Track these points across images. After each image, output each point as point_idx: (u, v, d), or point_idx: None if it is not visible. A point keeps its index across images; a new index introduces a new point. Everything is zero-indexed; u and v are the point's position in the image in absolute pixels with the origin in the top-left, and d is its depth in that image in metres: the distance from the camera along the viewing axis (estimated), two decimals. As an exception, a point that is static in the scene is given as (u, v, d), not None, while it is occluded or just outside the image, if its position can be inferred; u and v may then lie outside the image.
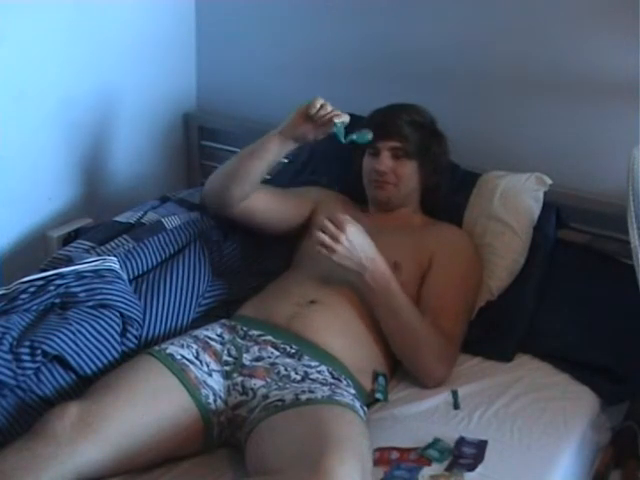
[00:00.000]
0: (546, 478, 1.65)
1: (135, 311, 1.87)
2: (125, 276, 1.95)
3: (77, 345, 1.74)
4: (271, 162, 2.03)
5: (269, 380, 1.72)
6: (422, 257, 2.00)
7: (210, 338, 1.81)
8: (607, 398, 1.92)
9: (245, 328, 1.84)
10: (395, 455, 1.64)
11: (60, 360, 1.73)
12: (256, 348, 1.79)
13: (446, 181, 2.19)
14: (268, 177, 2.55)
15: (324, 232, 1.81)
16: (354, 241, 1.82)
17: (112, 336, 1.81)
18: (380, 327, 1.89)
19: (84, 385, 1.72)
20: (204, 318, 1.99)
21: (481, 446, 1.68)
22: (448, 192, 2.20)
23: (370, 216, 2.14)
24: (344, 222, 1.82)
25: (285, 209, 2.14)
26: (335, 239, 1.80)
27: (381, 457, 1.63)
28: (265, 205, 2.09)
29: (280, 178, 2.47)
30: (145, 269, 2.02)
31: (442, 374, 1.88)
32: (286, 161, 2.57)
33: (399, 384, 1.91)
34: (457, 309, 1.96)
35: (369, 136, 1.97)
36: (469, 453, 1.66)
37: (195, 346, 1.76)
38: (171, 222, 2.17)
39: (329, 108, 1.91)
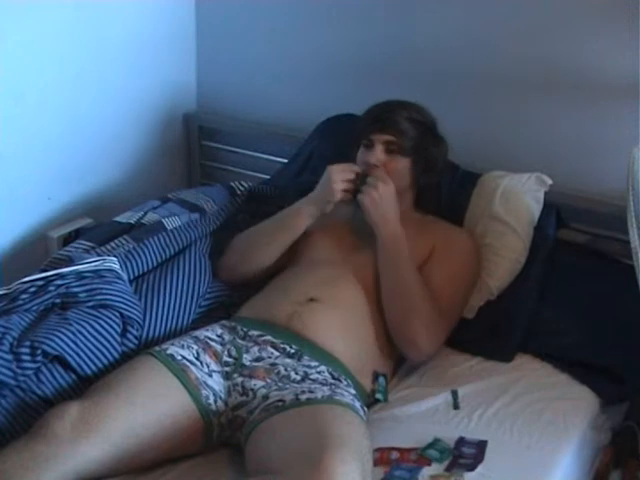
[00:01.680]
0: (546, 478, 1.65)
1: (135, 311, 1.87)
2: (125, 276, 1.95)
3: (77, 345, 1.74)
4: (298, 235, 2.05)
5: (269, 381, 1.72)
6: (422, 250, 1.99)
7: (210, 339, 1.81)
8: (607, 398, 1.92)
9: (245, 329, 1.84)
10: (395, 455, 1.64)
11: (60, 360, 1.73)
12: (256, 349, 1.79)
13: (444, 182, 2.18)
14: (267, 177, 2.56)
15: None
16: (386, 196, 1.94)
17: (112, 336, 1.81)
18: (380, 327, 1.89)
19: (84, 385, 1.72)
20: (204, 319, 1.98)
21: (481, 446, 1.68)
22: (448, 192, 2.20)
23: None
24: (387, 179, 1.95)
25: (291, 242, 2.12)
26: (373, 186, 1.93)
27: (381, 457, 1.63)
28: (280, 258, 2.09)
29: (280, 178, 2.47)
30: (145, 270, 2.02)
31: (427, 346, 1.88)
32: (286, 161, 2.57)
33: (399, 384, 1.92)
34: (451, 294, 1.96)
35: None
36: (469, 453, 1.66)
37: (195, 347, 1.76)
38: (171, 223, 2.17)
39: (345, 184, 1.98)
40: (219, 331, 1.84)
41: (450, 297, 1.96)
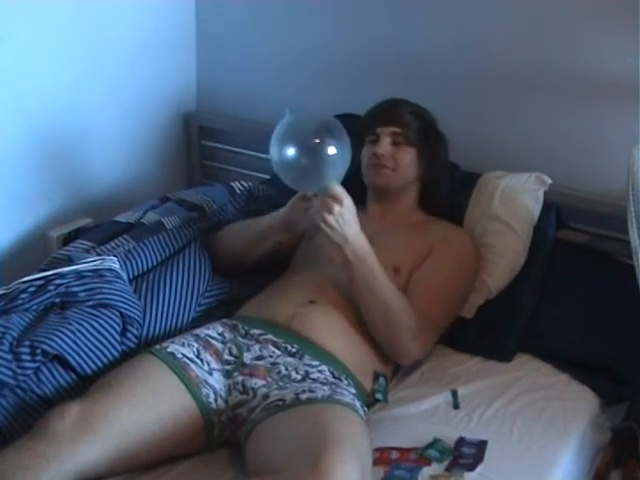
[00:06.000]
0: (546, 478, 1.65)
1: (135, 311, 1.87)
2: (125, 276, 1.95)
3: (77, 345, 1.74)
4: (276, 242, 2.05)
5: (270, 380, 1.72)
6: (420, 250, 1.99)
7: (211, 337, 1.81)
8: (607, 398, 1.92)
9: (246, 327, 1.84)
10: (395, 455, 1.64)
11: (60, 360, 1.73)
12: (257, 347, 1.79)
13: (445, 181, 2.18)
14: (267, 177, 2.56)
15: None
16: (345, 215, 1.79)
17: (112, 336, 1.81)
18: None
19: (84, 385, 1.72)
20: (204, 318, 1.99)
21: (481, 446, 1.68)
22: (448, 193, 2.20)
23: (369, 216, 2.13)
24: (341, 196, 1.77)
25: (290, 237, 2.12)
26: (328, 210, 1.77)
27: (381, 457, 1.63)
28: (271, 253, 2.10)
29: (280, 179, 2.46)
30: (145, 269, 2.02)
31: (415, 352, 1.86)
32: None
33: (399, 384, 1.92)
34: (444, 295, 1.95)
35: None
36: (469, 453, 1.66)
37: (196, 345, 1.76)
38: (171, 222, 2.17)
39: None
40: (220, 329, 1.84)
41: (446, 295, 1.96)
